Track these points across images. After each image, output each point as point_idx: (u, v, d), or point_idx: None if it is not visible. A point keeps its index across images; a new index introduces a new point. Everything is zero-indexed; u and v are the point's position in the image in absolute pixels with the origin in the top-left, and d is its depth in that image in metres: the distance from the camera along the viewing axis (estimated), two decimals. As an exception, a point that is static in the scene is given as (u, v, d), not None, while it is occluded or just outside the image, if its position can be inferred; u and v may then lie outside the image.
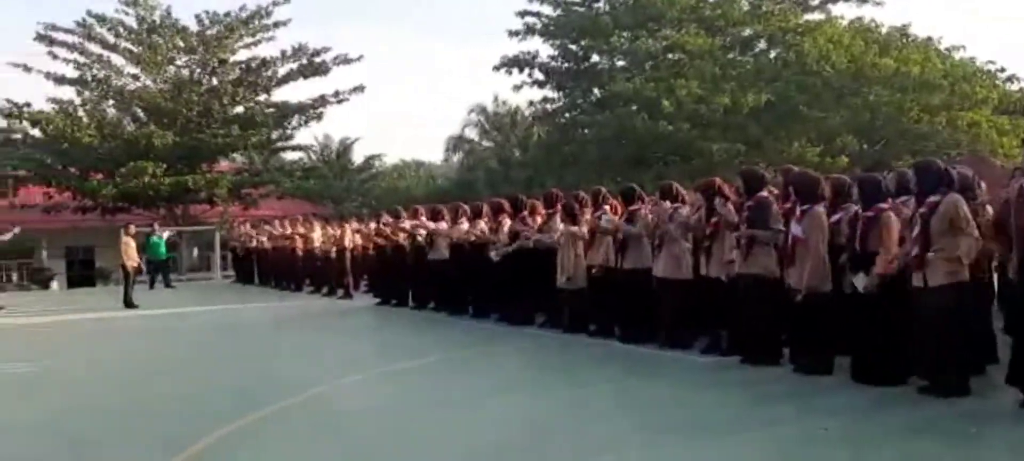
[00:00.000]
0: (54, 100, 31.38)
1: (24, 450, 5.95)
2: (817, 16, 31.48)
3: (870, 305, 6.65)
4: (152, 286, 22.83)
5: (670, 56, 29.51)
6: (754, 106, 27.00)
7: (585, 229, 10.14)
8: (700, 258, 8.63)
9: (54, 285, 29.44)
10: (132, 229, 18.95)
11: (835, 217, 7.32)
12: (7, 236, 18.52)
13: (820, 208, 7.39)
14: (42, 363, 10.50)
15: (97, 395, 8.09)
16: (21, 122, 31.38)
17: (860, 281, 6.63)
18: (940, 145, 26.69)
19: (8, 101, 30.65)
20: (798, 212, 7.39)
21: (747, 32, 30.89)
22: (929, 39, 29.56)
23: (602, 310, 9.97)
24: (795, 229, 7.33)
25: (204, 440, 5.81)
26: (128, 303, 17.36)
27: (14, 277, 36.55)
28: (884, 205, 6.77)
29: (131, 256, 18.02)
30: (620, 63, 31.32)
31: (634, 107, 28.43)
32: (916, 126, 26.97)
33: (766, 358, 7.69)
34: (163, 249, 23.58)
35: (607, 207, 10.09)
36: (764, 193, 8.07)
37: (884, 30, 30.00)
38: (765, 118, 27.63)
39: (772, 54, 30.47)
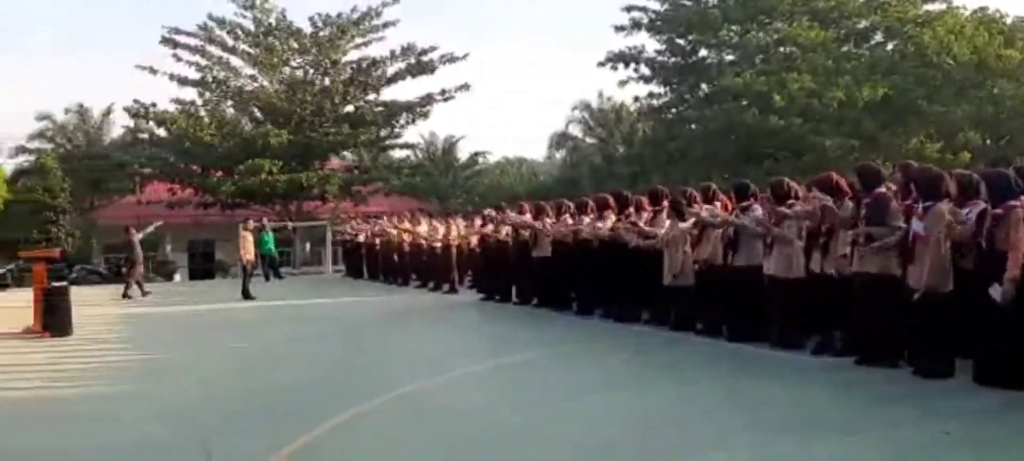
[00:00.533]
0: (177, 101, 32.98)
1: (151, 432, 6.27)
2: (937, 6, 30.15)
3: (993, 305, 6.33)
4: (267, 279, 23.74)
5: (782, 49, 28.79)
6: (870, 100, 26.07)
7: (691, 225, 9.99)
8: (813, 255, 8.38)
9: (177, 277, 30.90)
10: (251, 224, 19.74)
11: (965, 212, 6.99)
12: (150, 229, 19.67)
13: (943, 205, 7.07)
14: (171, 352, 11.07)
15: (219, 383, 8.46)
16: (147, 122, 33.06)
17: (996, 292, 6.27)
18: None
19: (136, 102, 32.37)
20: (920, 209, 7.10)
21: (863, 24, 29.84)
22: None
23: (710, 308, 9.80)
24: (916, 226, 7.04)
25: (315, 430, 5.98)
26: (246, 295, 18.07)
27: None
28: (1015, 203, 6.43)
29: (248, 250, 18.76)
30: (729, 57, 30.73)
31: (743, 102, 27.88)
32: (1045, 120, 25.53)
33: (883, 359, 7.40)
34: (272, 244, 24.39)
35: (717, 203, 9.92)
36: (882, 189, 7.76)
37: (1009, 20, 28.47)
38: (881, 113, 26.64)
39: (889, 46, 29.35)
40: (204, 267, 30.27)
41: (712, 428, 5.79)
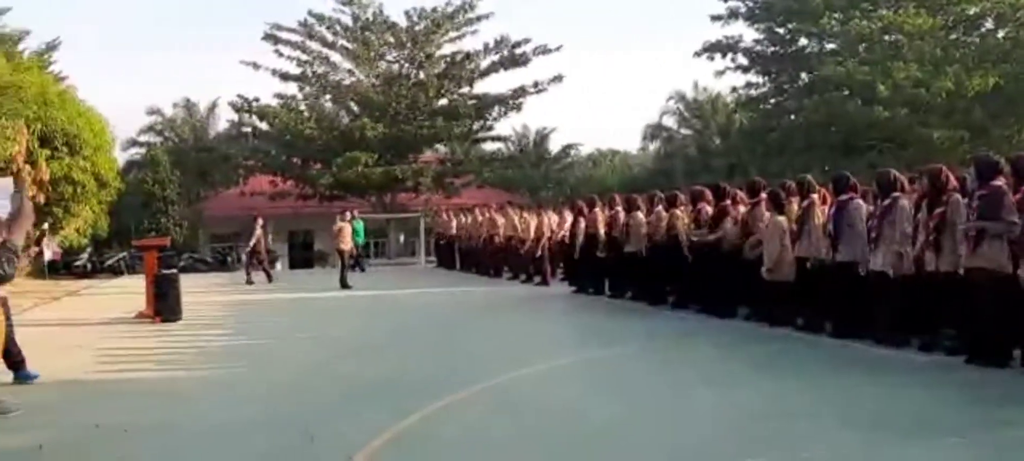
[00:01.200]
0: (279, 95, 34.03)
1: (255, 414, 6.50)
2: (1055, -10, 28.48)
3: None
4: (357, 269, 24.26)
5: (886, 38, 27.71)
6: (980, 90, 24.90)
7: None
8: (924, 251, 8.05)
9: (277, 266, 31.89)
10: (348, 215, 20.21)
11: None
12: (258, 227, 20.67)
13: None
14: (274, 338, 11.44)
15: (319, 369, 8.69)
16: (250, 116, 34.23)
17: None
18: None
19: (240, 96, 33.53)
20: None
21: (972, 10, 28.41)
22: None
23: (811, 304, 9.55)
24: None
25: (410, 418, 6.08)
26: (343, 284, 18.51)
27: (243, 258, 40.02)
28: None
29: (346, 240, 19.19)
30: (830, 46, 29.78)
31: (846, 92, 27.01)
32: None
33: (994, 359, 7.09)
34: (362, 234, 24.79)
35: (815, 196, 9.68)
36: (998, 182, 7.40)
37: None
38: (992, 103, 25.40)
39: (1000, 34, 27.92)
40: (304, 257, 31.16)
41: (811, 427, 5.64)
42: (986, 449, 4.96)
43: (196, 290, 17.33)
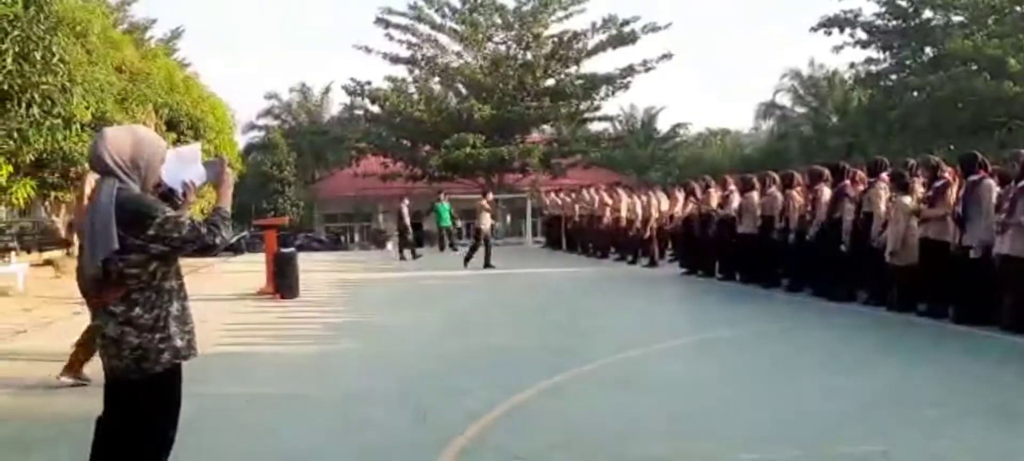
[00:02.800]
0: (389, 78, 34.69)
1: (371, 385, 6.69)
2: None
3: None
4: (442, 248, 24.71)
5: (1018, 9, 26.13)
6: (1124, 62, 23.19)
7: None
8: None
9: (389, 246, 32.63)
10: (491, 196, 20.41)
11: None
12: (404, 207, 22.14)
13: None
14: (389, 314, 11.74)
15: (432, 344, 8.86)
16: (362, 99, 35.05)
17: None
18: None
19: (352, 80, 34.39)
20: None
21: (1119, -24, 26.50)
22: None
23: (935, 288, 9.14)
24: None
25: (523, 394, 6.15)
26: (486, 264, 18.17)
27: (356, 237, 41.21)
28: None
29: (485, 222, 19.20)
30: (957, 19, 28.31)
31: (974, 66, 25.62)
32: None
33: None
34: (447, 216, 25.17)
35: (947, 174, 9.26)
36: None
37: None
38: None
39: None
40: (415, 236, 31.71)
41: (936, 415, 5.40)
42: None
43: (312, 269, 17.89)
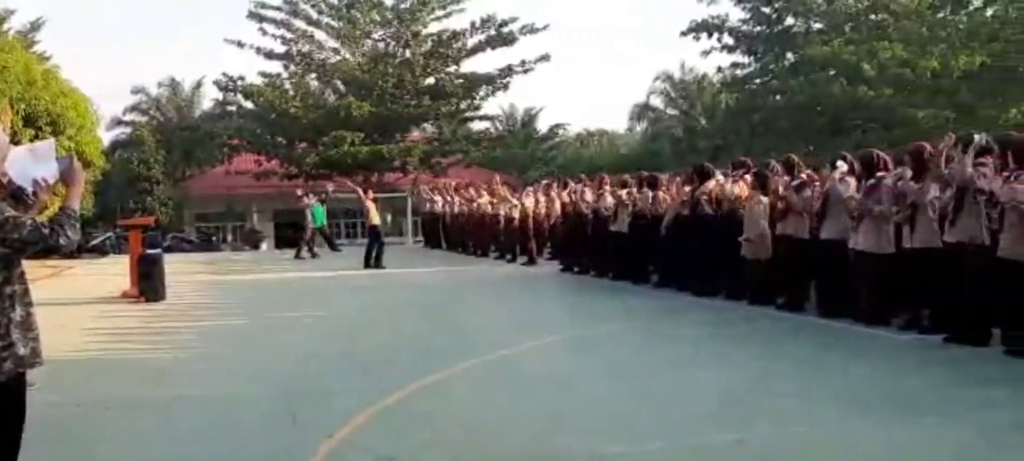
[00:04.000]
0: (264, 74, 33.77)
1: (240, 390, 6.51)
2: (1044, -33, 28.59)
3: None
4: (333, 248, 24.02)
5: (872, 17, 27.81)
6: (966, 69, 24.97)
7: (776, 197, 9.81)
8: (902, 229, 8.12)
9: (263, 246, 31.84)
10: (371, 194, 20.03)
11: None
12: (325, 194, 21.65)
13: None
14: (259, 317, 11.43)
15: (305, 346, 8.70)
16: (235, 94, 34.00)
17: None
18: None
19: (224, 75, 33.30)
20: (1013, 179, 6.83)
21: (961, -12, 28.50)
22: None
23: (792, 282, 9.63)
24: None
25: (399, 393, 6.13)
26: (375, 264, 17.90)
27: (228, 237, 39.96)
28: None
29: (375, 217, 18.82)
30: (817, 26, 29.84)
31: (831, 72, 27.10)
32: None
33: (974, 337, 7.15)
34: (320, 217, 23.75)
35: (804, 176, 9.74)
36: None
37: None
38: (979, 82, 25.50)
39: (989, 12, 27.96)
40: (291, 237, 30.97)
41: (795, 405, 5.70)
42: (966, 428, 5.00)
43: (181, 270, 17.27)
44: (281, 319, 11.14)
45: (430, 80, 34.27)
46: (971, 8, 28.81)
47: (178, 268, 17.21)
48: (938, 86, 25.58)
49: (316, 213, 23.68)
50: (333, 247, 24.28)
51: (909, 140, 20.90)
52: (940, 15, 28.20)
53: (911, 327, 7.97)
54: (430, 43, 34.12)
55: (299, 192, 23.01)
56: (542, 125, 50.20)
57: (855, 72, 25.72)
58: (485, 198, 20.52)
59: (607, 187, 14.29)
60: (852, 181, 8.96)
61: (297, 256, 21.40)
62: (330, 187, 25.37)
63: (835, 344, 7.87)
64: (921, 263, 7.68)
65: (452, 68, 34.50)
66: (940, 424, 5.13)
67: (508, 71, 33.67)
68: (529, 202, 18.18)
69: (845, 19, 28.26)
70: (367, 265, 17.94)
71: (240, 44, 32.79)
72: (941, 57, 25.03)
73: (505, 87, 34.47)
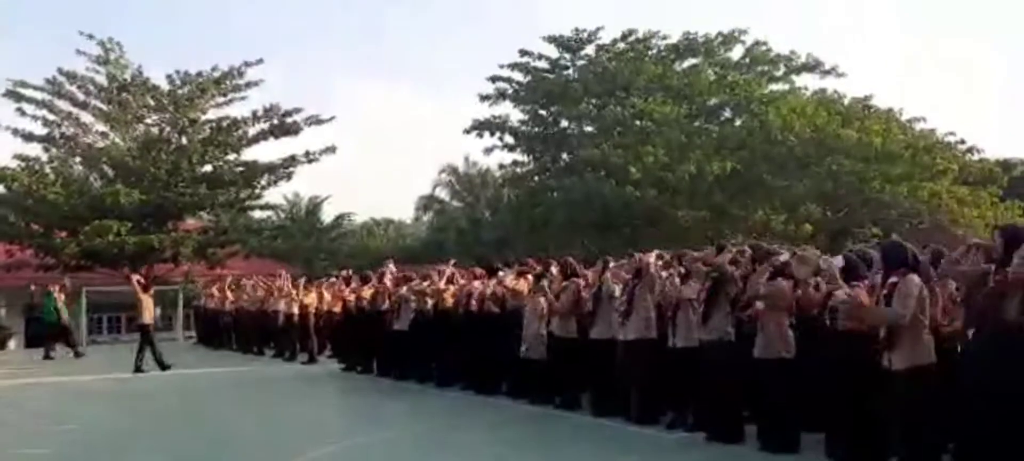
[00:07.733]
0: (20, 156, 31.00)
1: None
2: (781, 86, 32.20)
3: (841, 380, 6.53)
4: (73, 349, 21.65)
5: (638, 123, 29.91)
6: (719, 174, 27.35)
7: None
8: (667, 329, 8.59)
9: (11, 344, 28.79)
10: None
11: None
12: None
13: (783, 281, 7.44)
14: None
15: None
16: (-15, 179, 30.92)
17: None
18: (902, 214, 27.20)
19: (-28, 156, 30.27)
20: (765, 278, 7.47)
21: (713, 101, 31.44)
22: (891, 110, 30.10)
23: (568, 381, 9.92)
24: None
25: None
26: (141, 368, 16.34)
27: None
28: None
29: (147, 314, 17.01)
30: (589, 129, 31.72)
31: (602, 173, 28.72)
32: (878, 195, 27.33)
33: (729, 435, 7.63)
34: (53, 310, 22.03)
35: (580, 279, 10.17)
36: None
37: (847, 101, 30.65)
38: (730, 186, 27.99)
39: (737, 123, 30.95)
40: (43, 333, 28.24)
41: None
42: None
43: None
44: (32, 433, 10.02)
45: (208, 168, 32.88)
46: (722, 119, 31.83)
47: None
48: (696, 189, 27.80)
49: (46, 305, 21.43)
50: (73, 347, 22.02)
51: (673, 237, 22.63)
52: (696, 124, 30.84)
53: (677, 425, 8.40)
54: (209, 130, 32.86)
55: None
56: (328, 215, 49.44)
57: (623, 173, 27.45)
58: (261, 292, 19.79)
59: (388, 280, 14.17)
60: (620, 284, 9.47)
61: (46, 356, 19.56)
62: (67, 281, 23.27)
63: (605, 444, 8.14)
64: (683, 361, 8.18)
65: (232, 156, 33.34)
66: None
67: (291, 161, 33.01)
68: (311, 298, 17.72)
69: (614, 124, 30.24)
70: (138, 370, 16.23)
71: (-8, 125, 30.07)
72: (697, 163, 27.29)
73: (288, 177, 33.68)
